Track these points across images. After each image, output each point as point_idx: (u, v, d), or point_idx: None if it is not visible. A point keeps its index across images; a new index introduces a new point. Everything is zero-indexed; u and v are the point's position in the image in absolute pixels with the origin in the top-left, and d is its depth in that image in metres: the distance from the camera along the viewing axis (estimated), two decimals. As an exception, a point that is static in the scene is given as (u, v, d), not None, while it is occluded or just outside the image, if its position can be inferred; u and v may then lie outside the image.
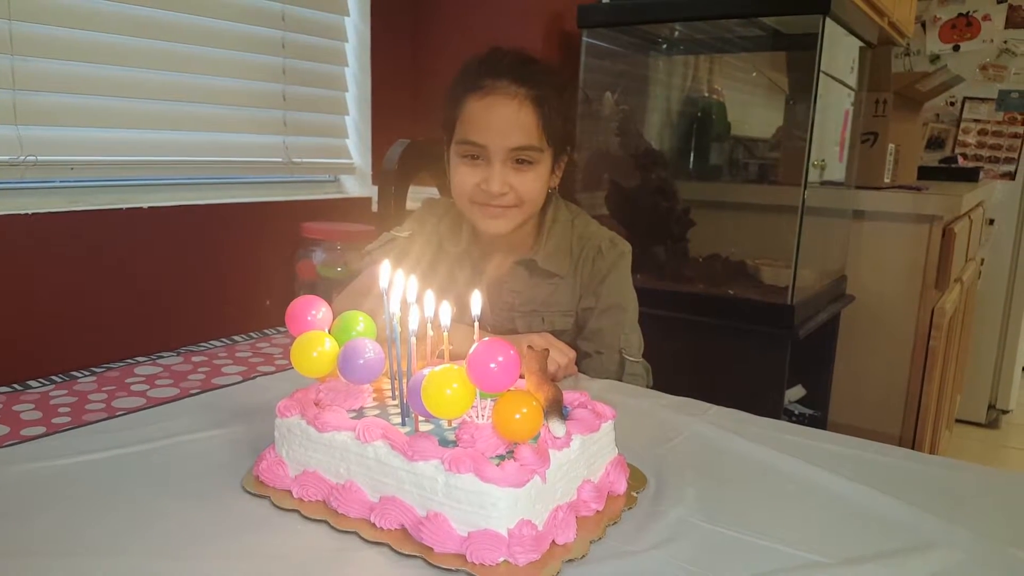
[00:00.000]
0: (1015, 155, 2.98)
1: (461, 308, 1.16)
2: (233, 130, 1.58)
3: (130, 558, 0.56)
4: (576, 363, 1.13)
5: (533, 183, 1.08)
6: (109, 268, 1.33)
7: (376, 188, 1.32)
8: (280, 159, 1.68)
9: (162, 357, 1.18)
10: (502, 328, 1.17)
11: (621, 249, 1.17)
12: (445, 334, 0.66)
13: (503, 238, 1.14)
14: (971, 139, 3.07)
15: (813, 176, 1.48)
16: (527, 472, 0.56)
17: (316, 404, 0.68)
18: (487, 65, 1.07)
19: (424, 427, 0.64)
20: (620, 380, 1.09)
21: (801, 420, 1.82)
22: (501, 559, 0.55)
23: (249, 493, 0.66)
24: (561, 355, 1.02)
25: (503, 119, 1.04)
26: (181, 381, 1.07)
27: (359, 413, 0.68)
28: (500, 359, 0.58)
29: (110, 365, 1.13)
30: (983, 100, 3.06)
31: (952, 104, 3.11)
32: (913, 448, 1.80)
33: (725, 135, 1.91)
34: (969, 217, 2.12)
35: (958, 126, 3.11)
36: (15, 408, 0.93)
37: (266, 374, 1.05)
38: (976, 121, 3.07)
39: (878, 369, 1.84)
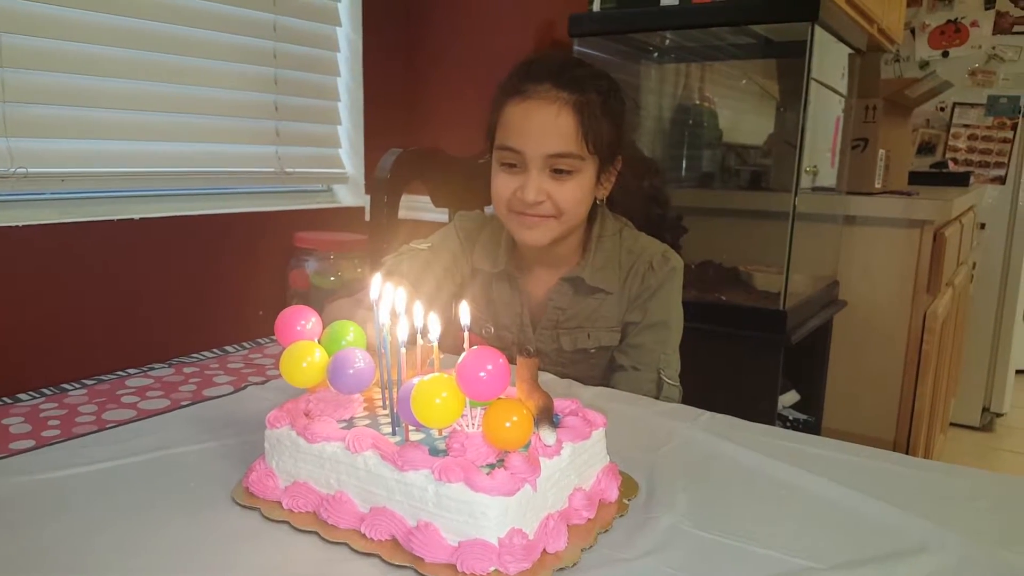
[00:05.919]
0: (1005, 159, 3.00)
1: (499, 331, 1.14)
2: (225, 141, 1.58)
3: (119, 571, 0.56)
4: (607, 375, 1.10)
5: (572, 193, 1.03)
6: (100, 280, 1.33)
7: (369, 197, 1.31)
8: (273, 169, 1.68)
9: (153, 369, 1.18)
10: (547, 347, 1.13)
11: (673, 264, 1.12)
12: (434, 344, 0.66)
13: (545, 252, 1.09)
14: (961, 144, 3.09)
15: (804, 182, 1.49)
16: (517, 481, 0.56)
17: (306, 415, 0.68)
18: (528, 69, 1.04)
19: (414, 436, 0.64)
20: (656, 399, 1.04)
21: (795, 426, 1.82)
22: (492, 568, 0.55)
23: (239, 504, 0.66)
24: None
25: (540, 124, 1.01)
26: (172, 392, 1.07)
27: (349, 423, 0.67)
28: (489, 367, 0.58)
29: (101, 377, 1.13)
30: (973, 105, 3.08)
31: (942, 109, 3.13)
32: (907, 452, 1.80)
33: (717, 142, 1.91)
34: (960, 221, 2.12)
35: (948, 131, 3.12)
36: (4, 421, 0.93)
37: (257, 384, 1.05)
38: (966, 126, 3.09)
39: (871, 374, 1.84)
